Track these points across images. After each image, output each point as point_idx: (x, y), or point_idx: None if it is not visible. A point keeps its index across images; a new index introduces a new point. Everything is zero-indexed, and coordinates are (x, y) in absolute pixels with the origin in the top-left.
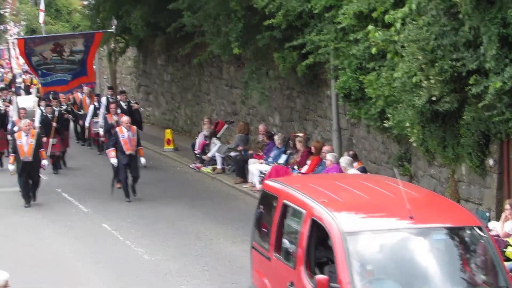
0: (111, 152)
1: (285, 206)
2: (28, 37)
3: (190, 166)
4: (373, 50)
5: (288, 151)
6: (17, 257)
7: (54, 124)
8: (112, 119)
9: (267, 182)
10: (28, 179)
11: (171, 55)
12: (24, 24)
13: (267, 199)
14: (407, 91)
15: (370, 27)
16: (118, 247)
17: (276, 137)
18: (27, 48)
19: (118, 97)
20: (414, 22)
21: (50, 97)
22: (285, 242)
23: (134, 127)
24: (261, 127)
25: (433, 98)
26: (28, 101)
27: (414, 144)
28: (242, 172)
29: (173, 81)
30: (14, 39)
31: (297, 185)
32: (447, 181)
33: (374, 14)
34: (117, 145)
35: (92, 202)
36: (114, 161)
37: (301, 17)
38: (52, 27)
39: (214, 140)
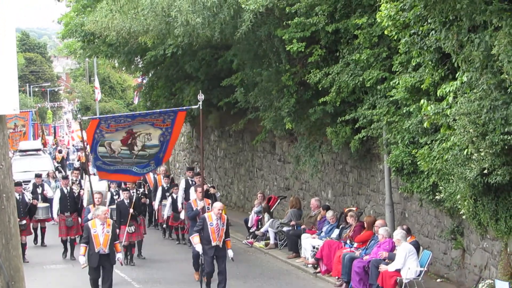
0: (195, 238)
1: None
2: (103, 117)
3: (243, 242)
4: (426, 124)
5: (341, 226)
6: None
7: (131, 210)
8: (198, 204)
9: None
10: (100, 273)
11: (224, 131)
12: (78, 101)
13: None
14: (459, 164)
15: (422, 100)
16: None
17: (327, 213)
18: (97, 133)
19: (195, 179)
20: (465, 95)
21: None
22: None
23: (225, 216)
24: (314, 202)
25: (485, 171)
26: (102, 184)
27: (464, 217)
28: (295, 247)
29: (226, 156)
30: (89, 118)
31: None
32: (499, 254)
33: (424, 86)
34: (202, 232)
35: (144, 277)
36: (199, 247)
37: (354, 92)
38: (106, 104)
39: (266, 215)
